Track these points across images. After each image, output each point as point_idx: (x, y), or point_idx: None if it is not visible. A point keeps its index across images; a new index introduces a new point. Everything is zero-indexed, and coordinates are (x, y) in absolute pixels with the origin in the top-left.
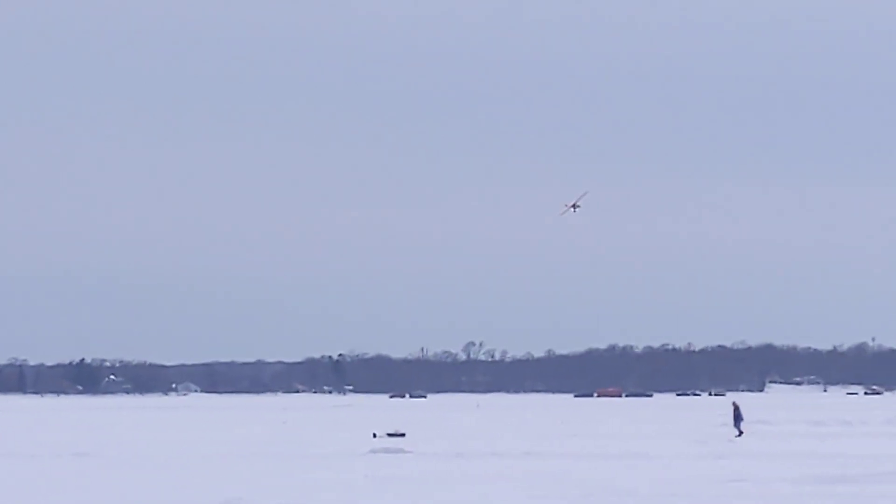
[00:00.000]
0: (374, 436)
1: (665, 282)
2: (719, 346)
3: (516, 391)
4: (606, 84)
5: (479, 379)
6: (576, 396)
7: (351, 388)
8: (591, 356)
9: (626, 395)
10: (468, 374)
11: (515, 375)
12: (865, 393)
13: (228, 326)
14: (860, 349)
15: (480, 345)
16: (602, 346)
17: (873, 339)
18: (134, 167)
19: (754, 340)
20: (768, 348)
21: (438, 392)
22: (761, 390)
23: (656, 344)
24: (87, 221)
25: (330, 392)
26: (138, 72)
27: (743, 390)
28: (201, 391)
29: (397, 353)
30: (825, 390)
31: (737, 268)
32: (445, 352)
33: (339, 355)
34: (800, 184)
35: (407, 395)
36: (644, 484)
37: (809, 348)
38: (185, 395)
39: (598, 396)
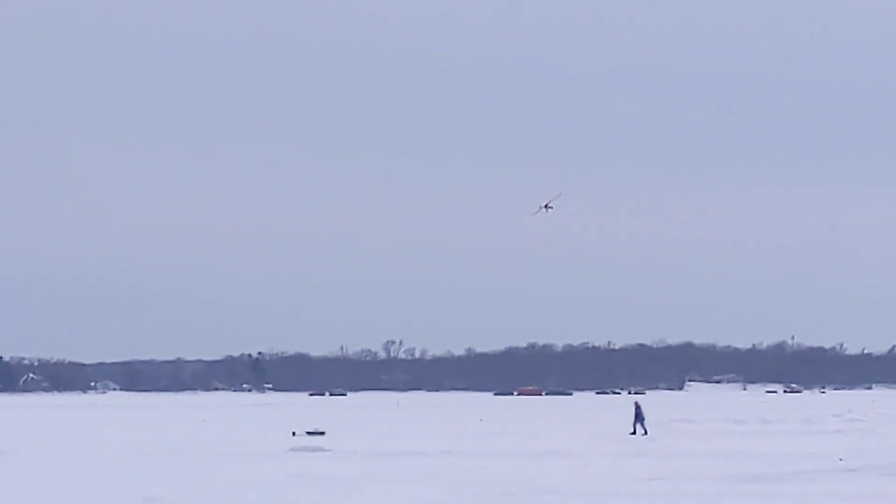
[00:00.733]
0: (294, 434)
1: (585, 280)
2: (639, 344)
3: (436, 389)
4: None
5: (399, 377)
6: (496, 395)
7: (270, 386)
8: (511, 355)
9: (546, 394)
10: (388, 372)
11: (435, 374)
12: (785, 391)
13: (148, 325)
14: (780, 348)
15: (400, 343)
16: (522, 344)
17: (793, 338)
18: (51, 163)
19: (674, 339)
20: (688, 347)
21: (358, 390)
22: (681, 389)
23: (576, 342)
24: (2, 219)
25: (249, 390)
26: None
27: (663, 389)
28: (121, 389)
29: (317, 351)
30: (745, 389)
31: (657, 266)
32: (365, 350)
33: (259, 353)
34: (718, 183)
35: (327, 394)
36: (565, 483)
37: (729, 347)
38: (104, 393)
39: (519, 395)
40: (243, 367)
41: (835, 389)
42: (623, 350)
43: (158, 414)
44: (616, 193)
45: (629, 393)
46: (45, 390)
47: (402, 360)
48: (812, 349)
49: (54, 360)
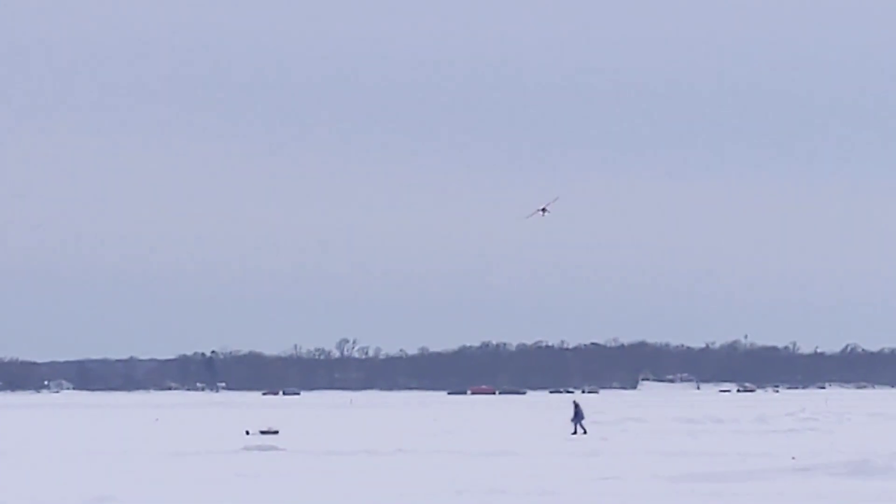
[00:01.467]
0: (247, 433)
1: (538, 279)
2: (592, 343)
3: (390, 388)
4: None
5: (352, 376)
6: (449, 394)
7: (224, 385)
8: (464, 354)
9: (500, 393)
10: (341, 371)
11: (389, 373)
12: (738, 390)
13: (101, 324)
14: (733, 347)
15: (354, 342)
16: (475, 343)
17: (746, 337)
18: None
19: (627, 338)
20: (641, 346)
21: (312, 389)
22: (634, 388)
23: (529, 341)
24: None
25: (203, 389)
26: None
27: (616, 388)
28: (74, 388)
29: (270, 350)
30: (698, 388)
31: (610, 265)
32: (318, 349)
33: (212, 353)
34: (670, 180)
35: (280, 393)
36: (517, 481)
37: (682, 346)
38: (57, 392)
39: (472, 394)
40: (197, 366)
41: (788, 389)
42: (576, 349)
43: (111, 413)
44: (570, 194)
45: (582, 392)
46: None
47: (356, 359)
48: (765, 348)
49: (7, 359)
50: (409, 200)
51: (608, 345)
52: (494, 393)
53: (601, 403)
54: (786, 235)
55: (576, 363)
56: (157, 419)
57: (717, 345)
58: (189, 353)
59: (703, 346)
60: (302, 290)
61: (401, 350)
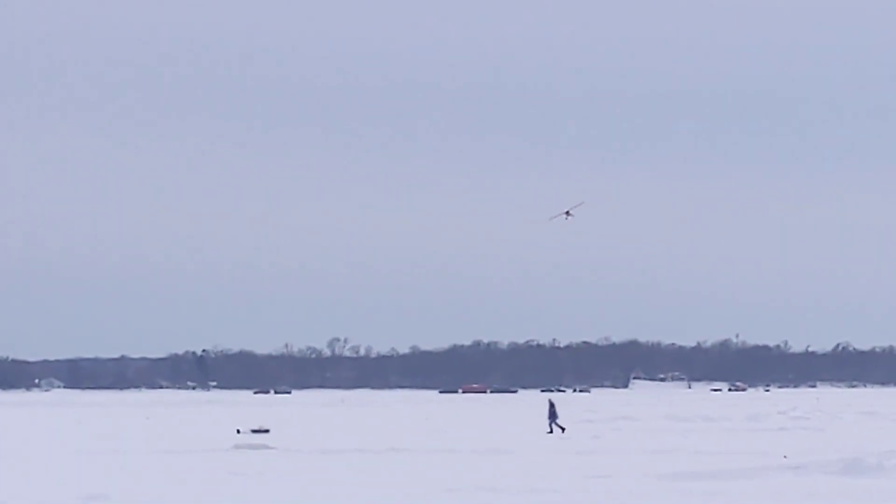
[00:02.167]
0: (238, 432)
1: (530, 278)
2: (584, 342)
3: (381, 387)
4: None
5: (343, 375)
6: (441, 392)
7: (215, 383)
8: (455, 352)
9: (491, 391)
10: (333, 370)
11: (380, 371)
12: (729, 389)
13: (92, 322)
14: (724, 346)
15: (345, 341)
16: (467, 342)
17: (737, 336)
18: None
19: (619, 337)
20: (633, 344)
21: (303, 388)
22: (626, 386)
23: (521, 340)
24: None
25: (194, 388)
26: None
27: (608, 386)
28: (65, 387)
29: (261, 348)
30: (689, 387)
31: (602, 264)
32: (310, 347)
33: (203, 351)
34: (662, 180)
35: (271, 391)
36: (509, 480)
37: (674, 345)
38: (48, 390)
39: (463, 392)
40: (188, 365)
41: (779, 387)
42: (568, 348)
43: (103, 412)
44: (563, 194)
45: (574, 391)
46: None
47: (348, 357)
48: (756, 347)
49: None
50: (401, 200)
51: (600, 343)
52: (486, 391)
53: (593, 402)
54: (777, 234)
55: (567, 362)
56: (148, 418)
57: (709, 344)
58: (180, 351)
59: (695, 344)
60: (293, 289)
61: (392, 349)
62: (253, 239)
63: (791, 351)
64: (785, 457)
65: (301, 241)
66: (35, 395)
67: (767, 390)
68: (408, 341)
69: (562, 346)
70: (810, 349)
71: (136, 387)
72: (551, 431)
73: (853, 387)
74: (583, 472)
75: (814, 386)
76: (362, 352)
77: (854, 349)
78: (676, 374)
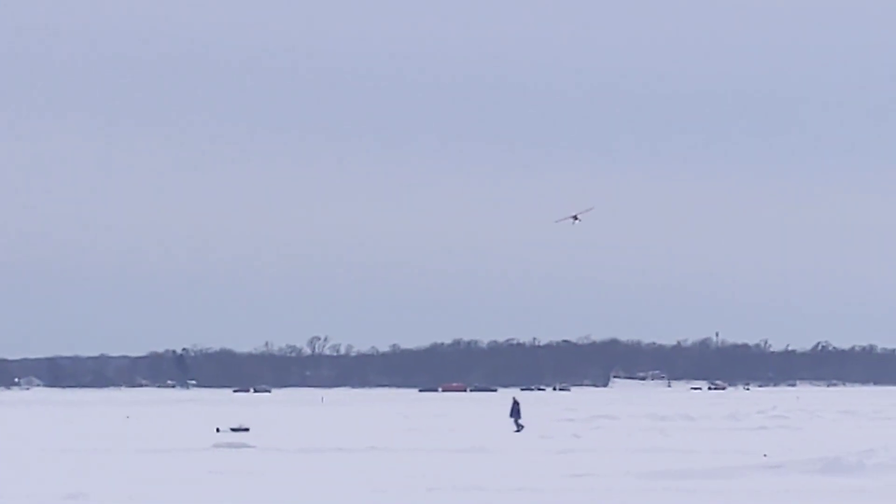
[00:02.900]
0: (218, 430)
1: (510, 277)
2: (564, 341)
3: (361, 386)
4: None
5: (323, 373)
6: (421, 391)
7: (195, 382)
8: (435, 351)
9: (471, 390)
10: (313, 368)
11: (360, 370)
12: (709, 388)
13: (72, 320)
14: (704, 344)
15: (325, 339)
16: (447, 340)
17: (717, 335)
18: None
19: (599, 335)
20: (613, 343)
21: (283, 387)
22: (606, 385)
23: (501, 339)
24: None
25: (174, 386)
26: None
27: (588, 385)
28: (45, 385)
29: (241, 347)
30: (669, 385)
31: (582, 263)
32: (290, 346)
33: (183, 350)
34: (641, 179)
35: (251, 390)
36: (489, 478)
37: (654, 343)
38: (27, 389)
39: (443, 391)
40: (167, 364)
41: (759, 386)
42: (548, 346)
43: (82, 410)
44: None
45: (554, 389)
46: None
47: (327, 356)
48: (736, 346)
49: None
50: (382, 198)
51: (580, 342)
52: (466, 390)
53: (573, 401)
54: (757, 234)
55: (547, 361)
56: (128, 416)
57: (689, 342)
58: (160, 350)
59: (675, 343)
60: (274, 287)
61: (372, 347)
62: (233, 238)
63: (771, 350)
64: (765, 455)
65: (281, 239)
66: (15, 394)
67: (747, 389)
68: (388, 340)
69: (542, 344)
70: (790, 348)
71: (116, 385)
72: (519, 430)
73: (833, 385)
74: (563, 470)
75: (794, 385)
76: (342, 350)
77: (834, 348)
78: (657, 372)
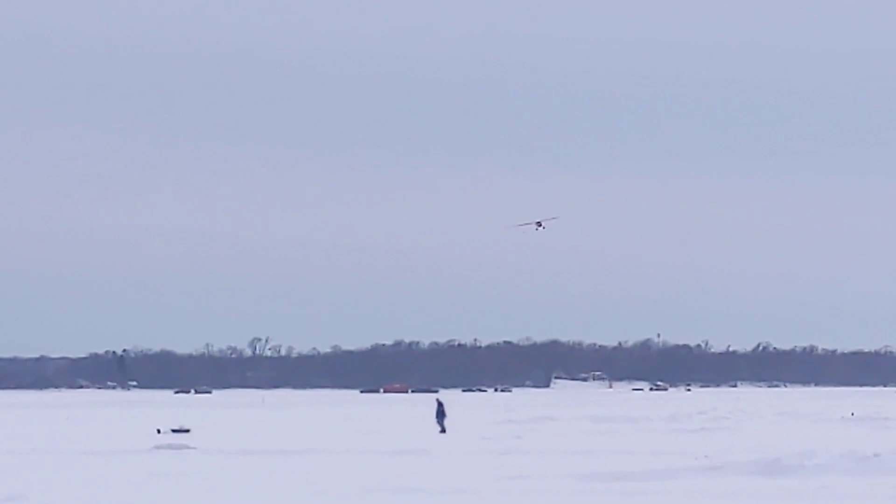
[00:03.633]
0: (159, 432)
1: (451, 278)
2: (505, 341)
3: (302, 387)
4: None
5: (264, 375)
6: (362, 392)
7: (135, 383)
8: (377, 352)
9: (412, 391)
10: (254, 369)
11: (301, 371)
12: (651, 389)
13: (11, 322)
14: (645, 345)
15: (266, 340)
16: (388, 341)
17: (658, 336)
18: None
19: (540, 336)
20: (554, 344)
21: (224, 388)
22: (547, 386)
23: (442, 340)
24: None
25: (114, 388)
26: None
27: (529, 386)
28: None
29: (182, 348)
30: (611, 386)
31: (522, 264)
32: (230, 347)
33: (124, 351)
34: (580, 180)
35: (192, 391)
36: (428, 480)
37: (595, 344)
38: None
39: (385, 392)
40: (108, 365)
41: (700, 387)
42: (489, 347)
43: (22, 412)
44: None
45: (495, 390)
46: None
47: (268, 357)
48: (677, 347)
49: None
50: (322, 199)
51: (521, 343)
52: (407, 391)
53: (514, 402)
54: (698, 235)
55: (488, 361)
56: (68, 418)
57: (630, 343)
58: (100, 351)
59: (616, 344)
60: (214, 288)
61: (313, 348)
62: (173, 239)
63: (712, 350)
64: (705, 457)
65: (222, 240)
66: None
67: (689, 390)
68: (329, 341)
69: (483, 345)
70: (731, 349)
71: (56, 387)
72: (444, 430)
73: (774, 386)
74: (502, 472)
75: (735, 385)
76: (283, 351)
77: (775, 349)
78: (598, 373)
